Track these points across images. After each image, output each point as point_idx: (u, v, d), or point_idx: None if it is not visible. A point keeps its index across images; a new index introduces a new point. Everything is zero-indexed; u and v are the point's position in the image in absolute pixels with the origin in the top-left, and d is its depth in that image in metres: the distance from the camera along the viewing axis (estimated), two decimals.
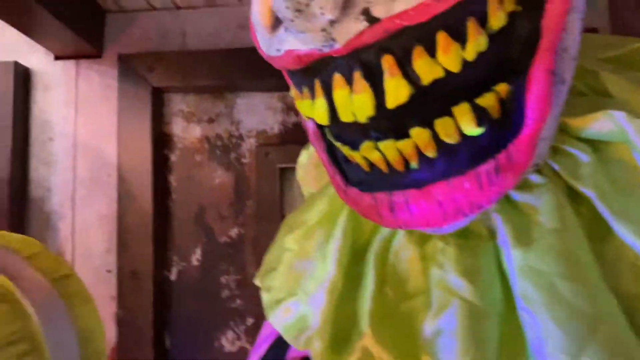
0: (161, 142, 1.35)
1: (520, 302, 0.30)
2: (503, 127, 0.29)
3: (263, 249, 0.47)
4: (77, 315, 0.39)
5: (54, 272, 0.39)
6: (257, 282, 0.45)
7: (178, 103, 1.38)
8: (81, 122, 1.36)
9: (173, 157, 1.36)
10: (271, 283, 0.43)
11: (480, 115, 0.28)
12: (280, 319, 0.40)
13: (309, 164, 0.54)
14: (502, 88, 0.29)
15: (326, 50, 0.28)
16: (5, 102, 1.31)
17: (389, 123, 0.30)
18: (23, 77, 1.36)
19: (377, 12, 0.27)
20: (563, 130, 0.32)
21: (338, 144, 0.34)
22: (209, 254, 1.33)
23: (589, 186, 0.30)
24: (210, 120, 1.37)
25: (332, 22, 0.27)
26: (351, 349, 0.35)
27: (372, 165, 0.32)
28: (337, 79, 0.29)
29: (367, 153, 0.31)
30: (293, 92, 0.36)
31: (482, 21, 0.28)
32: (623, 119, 0.30)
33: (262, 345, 0.48)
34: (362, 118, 0.29)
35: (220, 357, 1.29)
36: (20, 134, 1.34)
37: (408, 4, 0.26)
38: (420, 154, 0.29)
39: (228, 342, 1.29)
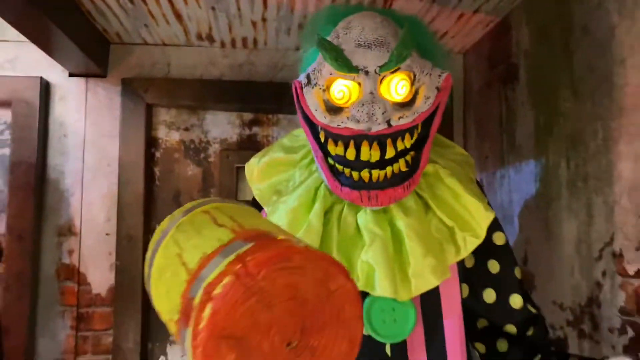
0: (150, 143, 1.87)
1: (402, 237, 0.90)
2: (413, 168, 0.88)
3: None
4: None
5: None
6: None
7: (163, 115, 1.89)
8: (89, 124, 1.84)
9: (158, 154, 1.88)
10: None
11: (407, 164, 0.88)
12: None
13: (258, 165, 1.05)
14: (415, 153, 0.88)
15: (366, 131, 0.86)
16: (32, 108, 1.77)
17: (380, 163, 0.88)
18: (46, 89, 1.82)
19: (393, 122, 0.85)
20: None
21: (341, 167, 0.90)
22: None
23: (424, 193, 0.92)
24: (186, 129, 1.90)
25: (375, 126, 0.85)
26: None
27: (360, 178, 0.88)
28: (365, 143, 0.87)
29: (363, 174, 0.88)
30: (331, 144, 0.90)
31: (412, 131, 0.87)
32: (439, 166, 0.92)
33: None
34: (373, 160, 0.87)
35: None
36: (43, 131, 1.80)
37: (400, 122, 0.85)
38: (385, 176, 0.87)
39: None
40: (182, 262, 0.50)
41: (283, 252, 0.46)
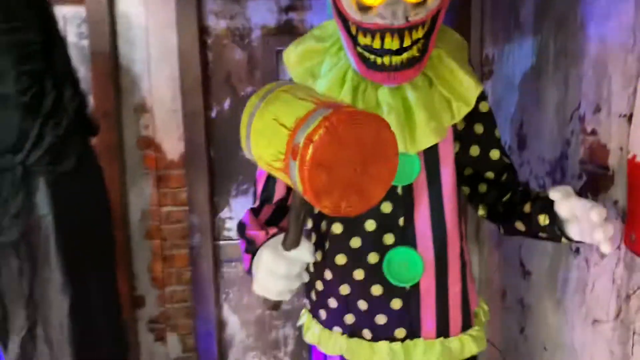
0: (202, 31, 2.16)
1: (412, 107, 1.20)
2: (422, 54, 1.16)
3: None
4: None
5: None
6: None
7: (211, 5, 2.16)
8: (149, 16, 2.13)
9: (209, 41, 2.19)
10: None
11: (418, 50, 1.14)
12: None
13: (295, 52, 1.32)
14: (425, 41, 1.15)
15: (389, 25, 1.11)
16: (100, 3, 2.07)
17: (399, 50, 1.13)
18: None
19: (410, 17, 1.10)
20: None
21: (371, 55, 1.16)
22: (234, 103, 2.23)
23: (429, 72, 1.22)
24: (231, 17, 2.18)
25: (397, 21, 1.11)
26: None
27: (383, 62, 1.14)
28: (388, 34, 1.12)
29: (385, 60, 1.14)
30: (361, 36, 1.14)
31: (424, 24, 1.13)
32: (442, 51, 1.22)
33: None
34: (394, 48, 1.13)
35: (243, 159, 2.25)
36: (111, 25, 2.12)
37: (416, 18, 1.10)
38: (402, 61, 1.14)
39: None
40: (279, 123, 0.79)
41: (352, 113, 0.76)
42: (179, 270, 2.31)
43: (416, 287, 1.25)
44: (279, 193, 1.31)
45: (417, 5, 1.10)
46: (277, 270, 0.94)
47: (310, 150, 0.73)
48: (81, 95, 1.57)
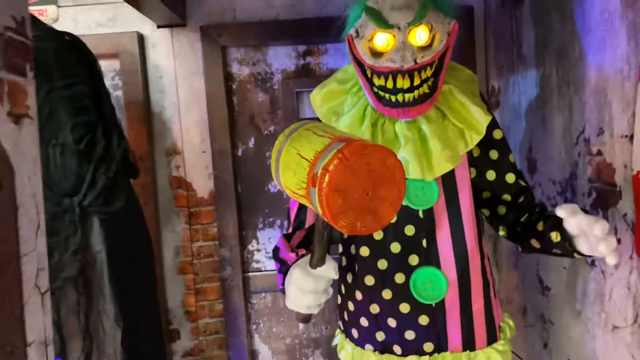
0: (227, 77, 2.33)
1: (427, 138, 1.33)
2: (433, 90, 1.29)
3: None
4: None
5: None
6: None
7: (235, 54, 2.34)
8: (177, 66, 2.31)
9: (234, 86, 2.35)
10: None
11: (429, 87, 1.29)
12: None
13: (319, 94, 1.47)
14: (434, 79, 1.29)
15: (400, 68, 1.25)
16: (134, 57, 2.25)
17: (410, 89, 1.26)
18: (141, 40, 2.28)
19: (418, 60, 1.24)
20: None
21: (386, 94, 1.30)
22: (258, 141, 2.38)
23: (441, 106, 1.35)
24: (254, 64, 2.35)
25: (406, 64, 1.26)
26: None
27: (397, 99, 1.28)
28: (399, 76, 1.25)
29: (399, 97, 1.27)
30: (375, 78, 1.29)
31: (432, 65, 1.27)
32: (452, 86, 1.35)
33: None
34: (405, 87, 1.26)
35: (268, 193, 2.38)
36: (144, 75, 2.29)
37: (423, 60, 1.24)
38: (414, 97, 1.27)
39: (272, 187, 2.38)
40: (302, 157, 0.94)
41: (362, 146, 0.90)
42: (211, 303, 2.41)
43: (441, 303, 1.35)
44: (310, 220, 1.44)
45: (424, 48, 1.25)
46: (306, 286, 1.07)
47: (326, 178, 0.86)
48: (125, 141, 1.72)
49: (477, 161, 1.43)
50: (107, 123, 1.64)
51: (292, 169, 0.96)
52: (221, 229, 2.34)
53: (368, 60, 1.28)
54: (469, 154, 1.41)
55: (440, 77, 1.29)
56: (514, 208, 1.44)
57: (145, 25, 2.28)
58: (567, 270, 1.71)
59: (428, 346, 1.37)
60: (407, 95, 1.25)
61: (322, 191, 0.87)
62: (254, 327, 2.47)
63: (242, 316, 2.40)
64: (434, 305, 1.35)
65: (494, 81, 2.26)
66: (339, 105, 1.44)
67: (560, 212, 1.13)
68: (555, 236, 1.23)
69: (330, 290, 1.11)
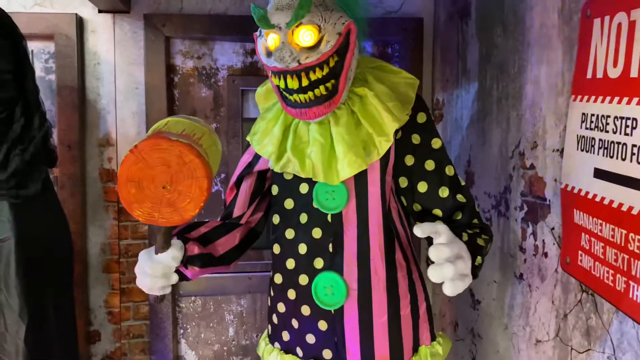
0: (170, 69, 2.24)
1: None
2: (333, 92, 1.23)
3: (230, 135, 1.45)
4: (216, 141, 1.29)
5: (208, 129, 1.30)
6: (247, 138, 1.44)
7: (179, 46, 2.26)
8: (117, 54, 2.21)
9: (176, 79, 2.27)
10: (253, 137, 1.41)
11: (327, 89, 1.22)
12: (258, 148, 1.38)
13: (261, 92, 1.46)
14: (335, 81, 1.23)
15: (286, 68, 1.19)
16: (71, 40, 2.14)
17: (301, 89, 1.21)
18: (80, 24, 2.17)
19: (301, 60, 1.19)
20: (351, 92, 1.31)
21: (285, 93, 1.25)
22: None
23: (356, 108, 1.29)
24: (199, 57, 2.27)
25: (289, 64, 1.20)
26: (284, 157, 1.32)
27: (295, 100, 1.23)
28: (288, 76, 1.20)
29: (295, 97, 1.23)
30: (272, 76, 1.25)
31: (322, 66, 1.21)
32: (368, 90, 1.28)
33: (241, 166, 1.46)
34: (295, 87, 1.21)
35: None
36: (80, 60, 2.18)
37: (307, 61, 1.19)
38: (310, 98, 1.21)
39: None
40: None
41: (155, 141, 0.99)
42: (137, 305, 2.29)
43: (340, 310, 1.32)
44: (236, 212, 1.44)
45: (309, 49, 1.20)
46: (144, 269, 1.15)
47: (119, 168, 0.99)
48: (47, 125, 1.61)
49: (410, 171, 1.35)
50: (28, 102, 1.53)
51: None
52: (152, 227, 2.22)
53: (263, 59, 1.26)
54: (401, 163, 1.34)
55: (341, 79, 1.25)
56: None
57: (85, 9, 2.17)
58: (497, 284, 1.71)
59: (327, 353, 1.34)
60: (301, 96, 1.22)
61: (117, 180, 0.99)
62: (181, 331, 2.36)
63: (168, 320, 2.29)
64: (332, 311, 1.32)
65: (439, 94, 2.27)
66: (274, 103, 1.42)
67: (417, 231, 1.06)
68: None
69: (174, 277, 1.18)
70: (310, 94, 1.22)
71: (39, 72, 2.18)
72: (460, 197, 1.32)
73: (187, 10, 2.21)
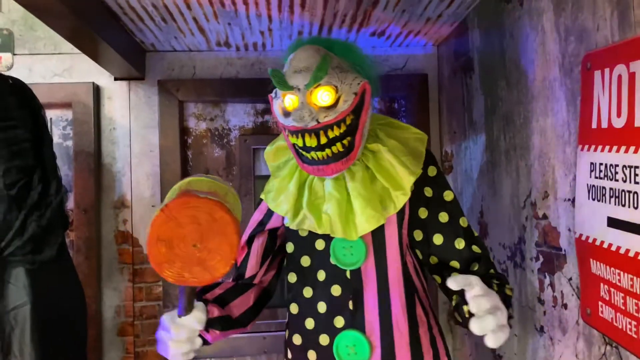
0: (183, 132, 2.31)
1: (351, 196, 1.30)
2: (349, 149, 1.27)
3: (242, 193, 1.46)
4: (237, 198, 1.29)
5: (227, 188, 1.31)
6: (261, 196, 1.45)
7: (192, 109, 2.33)
8: (133, 119, 2.28)
9: (190, 141, 2.33)
10: (267, 195, 1.43)
11: (343, 146, 1.26)
12: (273, 205, 1.39)
13: (270, 151, 1.49)
14: (351, 139, 1.27)
15: (304, 127, 1.23)
16: (88, 108, 2.22)
17: (319, 147, 1.24)
18: (97, 92, 2.26)
19: (320, 119, 1.23)
20: (365, 148, 1.33)
21: (302, 151, 1.29)
22: None
23: (370, 164, 1.32)
24: (211, 119, 2.34)
25: (309, 123, 1.24)
26: (300, 213, 1.34)
27: (312, 157, 1.26)
28: (306, 134, 1.23)
29: (312, 155, 1.25)
30: (289, 135, 1.28)
31: (339, 124, 1.24)
32: (381, 145, 1.31)
33: (252, 225, 1.47)
34: (313, 145, 1.24)
35: None
36: (97, 125, 2.25)
37: (325, 120, 1.23)
38: (327, 155, 1.25)
39: None
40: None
41: (185, 199, 0.97)
42: None
43: None
44: (249, 272, 1.42)
45: (327, 108, 1.24)
46: (167, 333, 1.10)
47: (150, 228, 0.95)
48: (63, 191, 1.65)
49: (425, 224, 1.36)
50: (46, 169, 1.57)
51: None
52: (166, 288, 2.22)
53: (280, 119, 1.29)
54: (415, 216, 1.36)
55: (357, 137, 1.28)
56: None
57: (102, 77, 2.26)
58: (518, 338, 1.66)
59: None
60: (319, 154, 1.25)
61: (147, 240, 0.96)
62: None
63: None
64: None
65: (447, 146, 2.30)
66: (285, 161, 1.45)
67: (451, 283, 1.05)
68: (467, 310, 1.10)
69: (198, 341, 1.14)
70: (327, 151, 1.24)
71: (57, 138, 2.25)
72: (475, 248, 1.33)
73: (199, 76, 2.29)
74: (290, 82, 1.25)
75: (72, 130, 2.23)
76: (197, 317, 1.11)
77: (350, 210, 1.29)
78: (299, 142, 1.25)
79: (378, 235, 1.32)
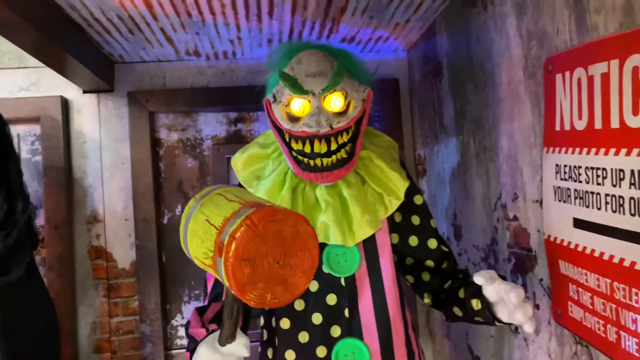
0: (155, 143, 2.28)
1: (347, 203, 1.30)
2: (351, 155, 1.28)
3: None
4: None
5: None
6: None
7: (163, 119, 2.30)
8: (103, 131, 2.24)
9: (162, 152, 2.30)
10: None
11: (346, 152, 1.27)
12: None
13: (240, 159, 1.46)
14: (352, 145, 1.28)
15: (316, 133, 1.23)
16: (56, 122, 2.18)
17: (327, 153, 1.25)
18: (65, 105, 2.22)
19: (334, 125, 1.24)
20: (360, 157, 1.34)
21: (304, 158, 1.28)
22: (185, 208, 2.29)
23: (360, 171, 1.33)
24: (183, 129, 2.31)
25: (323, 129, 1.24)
26: None
27: (315, 164, 1.26)
28: (316, 140, 1.24)
29: (317, 161, 1.26)
30: (293, 142, 1.27)
31: (348, 130, 1.26)
32: (370, 152, 1.33)
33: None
34: (323, 151, 1.25)
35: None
36: (66, 139, 2.21)
37: (339, 125, 1.24)
38: (332, 162, 1.25)
39: None
40: (210, 224, 0.87)
41: (272, 211, 0.84)
42: None
43: None
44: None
45: (340, 114, 1.27)
46: None
47: (233, 246, 0.80)
48: (31, 208, 1.61)
49: (399, 227, 1.42)
50: (11, 187, 1.53)
51: (199, 236, 0.89)
52: (142, 302, 2.19)
53: (285, 124, 1.28)
54: (391, 219, 1.41)
55: (358, 143, 1.30)
56: (438, 274, 1.42)
57: (70, 90, 2.23)
58: (494, 339, 1.68)
59: None
60: (325, 160, 1.25)
61: (228, 260, 0.80)
62: None
63: None
64: None
65: (420, 150, 2.31)
66: (261, 169, 1.42)
67: (478, 279, 1.12)
68: (476, 304, 1.20)
69: None
70: (334, 157, 1.26)
71: (25, 154, 2.21)
72: (444, 247, 1.44)
73: (169, 86, 2.27)
74: (304, 86, 1.25)
75: (41, 145, 2.19)
76: (244, 344, 1.02)
77: (347, 216, 1.30)
78: (306, 149, 1.25)
79: (369, 240, 1.33)
